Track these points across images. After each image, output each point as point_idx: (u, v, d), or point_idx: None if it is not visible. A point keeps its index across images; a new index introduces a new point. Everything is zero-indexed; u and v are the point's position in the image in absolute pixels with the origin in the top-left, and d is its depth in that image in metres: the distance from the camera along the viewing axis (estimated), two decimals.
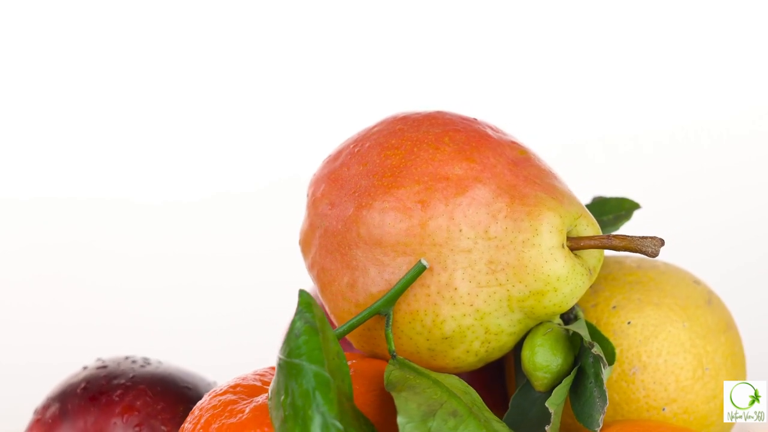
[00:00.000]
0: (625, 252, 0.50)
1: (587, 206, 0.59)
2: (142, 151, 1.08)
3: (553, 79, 1.06)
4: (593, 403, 0.48)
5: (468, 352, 0.50)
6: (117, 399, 0.57)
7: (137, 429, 0.56)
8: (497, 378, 0.60)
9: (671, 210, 0.97)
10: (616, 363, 0.54)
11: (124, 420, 0.57)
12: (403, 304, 0.50)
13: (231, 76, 1.09)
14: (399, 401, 0.45)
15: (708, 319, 0.56)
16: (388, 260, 0.49)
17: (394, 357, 0.50)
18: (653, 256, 0.49)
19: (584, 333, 0.50)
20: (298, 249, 0.55)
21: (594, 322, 0.55)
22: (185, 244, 1.06)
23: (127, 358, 0.61)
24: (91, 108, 1.09)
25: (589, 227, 0.50)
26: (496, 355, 0.51)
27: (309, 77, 1.08)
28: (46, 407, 0.58)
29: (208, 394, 0.50)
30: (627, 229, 0.58)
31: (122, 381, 0.58)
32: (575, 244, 0.50)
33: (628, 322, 0.55)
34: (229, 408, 0.48)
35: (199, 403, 0.50)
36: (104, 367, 0.59)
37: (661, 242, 0.49)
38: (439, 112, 0.53)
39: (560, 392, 0.49)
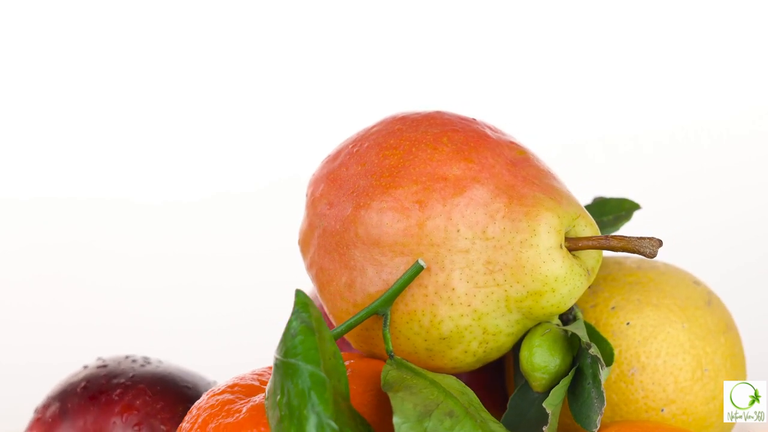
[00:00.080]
0: (623, 253, 0.50)
1: (588, 207, 0.59)
2: (142, 151, 1.08)
3: (553, 79, 1.06)
4: (591, 404, 0.48)
5: (466, 352, 0.50)
6: (116, 398, 0.57)
7: (137, 428, 0.56)
8: (497, 378, 0.60)
9: (671, 210, 0.97)
10: (614, 364, 0.54)
11: (124, 419, 0.57)
12: (400, 304, 0.50)
13: (231, 77, 1.09)
14: (395, 401, 0.45)
15: (707, 320, 0.55)
16: (386, 260, 0.49)
17: (391, 357, 0.50)
18: (651, 257, 0.49)
19: (582, 334, 0.50)
20: (297, 249, 0.55)
21: (593, 323, 0.55)
22: (185, 244, 1.06)
23: (127, 357, 0.61)
24: (91, 108, 1.09)
25: (588, 228, 0.50)
26: (495, 355, 0.51)
27: (309, 77, 1.08)
28: (46, 406, 0.59)
29: (206, 393, 0.50)
30: (627, 229, 0.58)
31: (122, 380, 0.58)
32: (573, 245, 0.50)
33: (627, 323, 0.55)
34: (226, 407, 0.48)
35: (197, 403, 0.50)
36: (104, 366, 0.60)
37: (659, 243, 0.49)
38: (438, 113, 0.53)
39: (558, 393, 0.49)
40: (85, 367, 0.60)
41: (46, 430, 0.58)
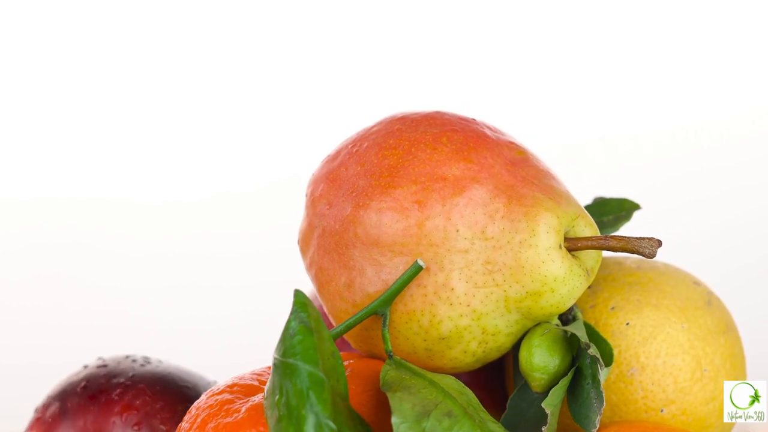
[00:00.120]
0: (622, 253, 0.50)
1: (588, 207, 0.59)
2: (142, 151, 1.08)
3: (553, 79, 1.06)
4: (590, 404, 0.48)
5: (465, 352, 0.50)
6: (116, 398, 0.57)
7: (136, 428, 0.56)
8: (497, 379, 0.60)
9: (671, 210, 0.97)
10: (614, 364, 0.54)
11: (123, 419, 0.57)
12: (399, 304, 0.49)
13: (231, 77, 1.09)
14: (394, 401, 0.45)
15: (707, 321, 0.55)
16: (385, 260, 0.49)
17: (390, 357, 0.50)
18: (650, 257, 0.49)
19: (582, 334, 0.50)
20: (297, 249, 0.55)
21: (593, 323, 0.55)
22: (185, 244, 1.06)
23: (127, 357, 0.61)
24: (91, 108, 1.09)
25: (587, 228, 0.50)
26: (494, 355, 0.51)
27: (309, 77, 1.08)
28: (46, 406, 0.59)
29: (205, 393, 0.50)
30: (627, 228, 0.58)
31: (122, 380, 0.58)
32: (573, 245, 0.50)
33: (627, 323, 0.54)
34: (225, 407, 0.48)
35: (196, 403, 0.50)
36: (104, 366, 0.60)
37: (659, 243, 0.49)
38: (437, 113, 0.53)
39: (557, 393, 0.48)
40: (86, 366, 0.60)
41: (46, 430, 0.58)
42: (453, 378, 0.49)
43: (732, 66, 1.04)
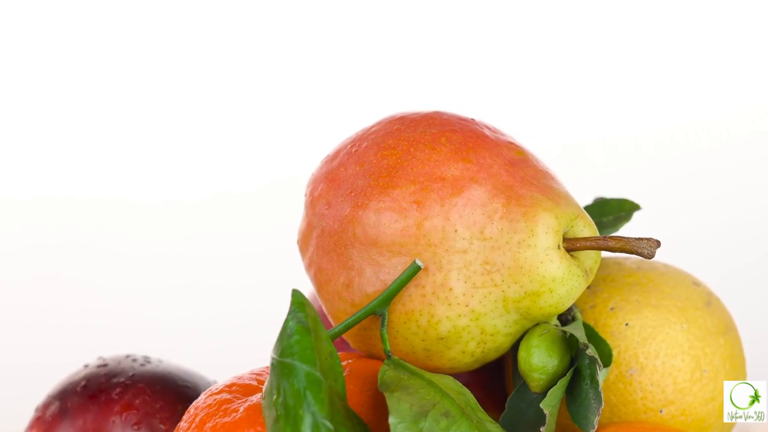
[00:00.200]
0: (621, 253, 0.50)
1: (588, 207, 0.59)
2: (142, 151, 1.09)
3: (553, 79, 1.06)
4: (588, 405, 0.48)
5: (464, 352, 0.50)
6: (116, 397, 0.57)
7: (136, 427, 0.56)
8: (497, 379, 0.60)
9: (671, 210, 0.97)
10: (613, 364, 0.54)
11: (123, 418, 0.57)
12: (398, 304, 0.49)
13: (231, 77, 1.09)
14: (391, 401, 0.45)
15: (707, 321, 0.55)
16: (384, 260, 0.49)
17: (389, 357, 0.50)
18: (649, 258, 0.49)
19: (580, 334, 0.50)
20: (297, 249, 0.55)
21: (592, 324, 0.55)
22: (185, 244, 1.06)
23: (128, 356, 0.61)
24: (91, 108, 1.09)
25: (586, 228, 0.50)
26: (493, 355, 0.51)
27: (308, 77, 1.08)
28: (46, 405, 0.59)
29: (204, 393, 0.50)
30: (627, 228, 0.58)
31: (122, 379, 0.58)
32: (571, 245, 0.50)
33: (626, 324, 0.54)
34: (223, 407, 0.48)
35: (195, 402, 0.50)
36: (105, 365, 0.60)
37: (657, 244, 0.49)
38: (437, 113, 0.53)
39: (555, 393, 0.48)
40: (86, 366, 0.60)
41: (46, 429, 0.58)
42: (451, 378, 0.49)
43: (732, 66, 1.04)
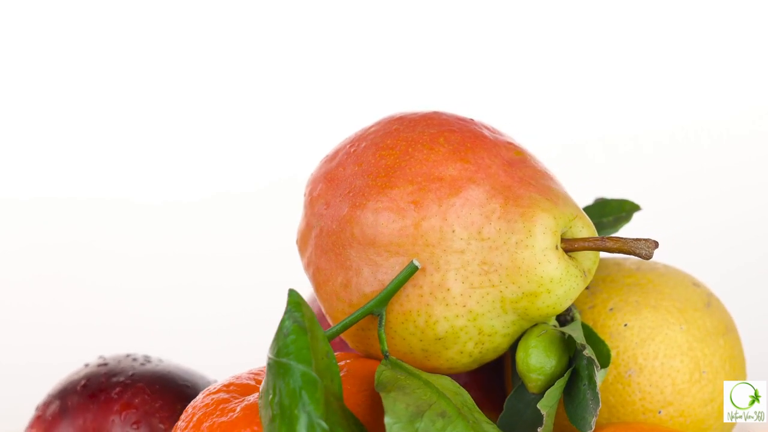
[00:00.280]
0: (619, 254, 0.50)
1: (589, 208, 0.59)
2: (142, 151, 1.09)
3: (553, 79, 1.06)
4: (586, 405, 0.48)
5: (462, 353, 0.50)
6: (116, 396, 0.57)
7: (135, 426, 0.57)
8: (495, 379, 0.60)
9: (671, 210, 0.97)
10: (612, 365, 0.54)
11: (123, 418, 0.57)
12: (396, 304, 0.49)
13: (231, 77, 1.09)
14: (387, 401, 0.45)
15: (706, 322, 0.55)
16: (382, 260, 0.49)
17: (386, 357, 0.50)
18: (647, 258, 0.49)
19: (578, 335, 0.50)
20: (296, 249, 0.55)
21: (591, 324, 0.55)
22: (185, 244, 1.06)
23: (128, 355, 0.61)
24: (91, 108, 1.09)
25: (585, 229, 0.50)
26: (491, 356, 0.51)
27: (308, 77, 1.08)
28: (47, 404, 0.59)
29: (202, 392, 0.51)
30: (627, 228, 0.58)
31: (121, 379, 0.58)
32: (569, 246, 0.49)
33: (625, 325, 0.54)
34: (221, 406, 0.48)
35: (193, 402, 0.50)
36: (105, 364, 0.60)
37: (655, 244, 0.49)
38: (435, 113, 0.53)
39: (553, 394, 0.48)
40: (87, 365, 0.61)
41: (46, 429, 0.58)
42: (449, 378, 0.49)
43: (732, 66, 1.04)
